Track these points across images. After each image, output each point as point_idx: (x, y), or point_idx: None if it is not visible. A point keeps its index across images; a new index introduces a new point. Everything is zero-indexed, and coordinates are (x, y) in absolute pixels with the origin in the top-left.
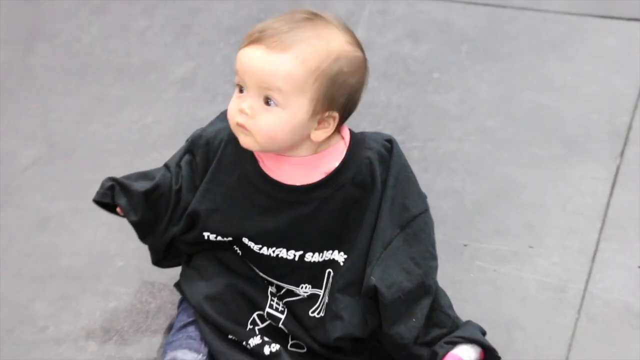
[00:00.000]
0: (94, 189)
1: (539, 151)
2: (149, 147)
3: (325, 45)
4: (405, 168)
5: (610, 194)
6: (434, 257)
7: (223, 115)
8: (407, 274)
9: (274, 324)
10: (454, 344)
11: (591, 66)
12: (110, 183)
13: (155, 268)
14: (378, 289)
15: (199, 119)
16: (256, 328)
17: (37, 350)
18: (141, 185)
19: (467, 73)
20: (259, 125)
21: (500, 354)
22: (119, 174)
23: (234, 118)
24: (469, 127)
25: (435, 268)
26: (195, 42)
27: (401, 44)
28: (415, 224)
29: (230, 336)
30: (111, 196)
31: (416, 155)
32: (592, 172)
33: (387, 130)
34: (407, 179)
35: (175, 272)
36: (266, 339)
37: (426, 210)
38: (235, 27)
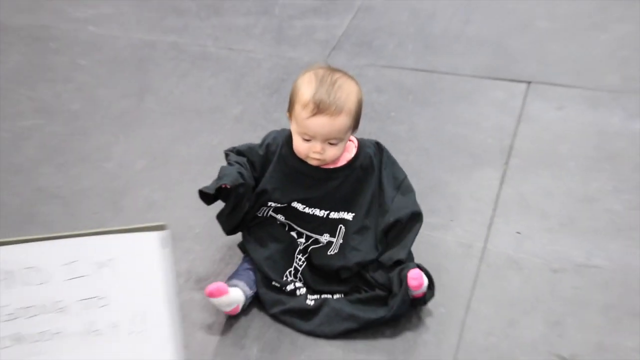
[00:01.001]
0: (182, 185)
1: (456, 162)
2: (216, 160)
3: (354, 95)
4: (390, 156)
5: (500, 188)
6: (417, 202)
7: (273, 133)
8: (407, 208)
9: (298, 272)
10: (416, 266)
11: (487, 109)
12: (238, 177)
13: (220, 233)
14: (396, 219)
15: (246, 140)
16: (288, 279)
17: None
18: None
19: (412, 113)
20: (328, 156)
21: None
22: (197, 177)
23: (306, 154)
24: (413, 147)
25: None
26: (243, 94)
27: (371, 94)
28: (403, 185)
29: (273, 283)
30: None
31: None
32: (489, 175)
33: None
34: (393, 162)
35: (234, 238)
36: (297, 285)
37: (406, 176)
38: (268, 84)
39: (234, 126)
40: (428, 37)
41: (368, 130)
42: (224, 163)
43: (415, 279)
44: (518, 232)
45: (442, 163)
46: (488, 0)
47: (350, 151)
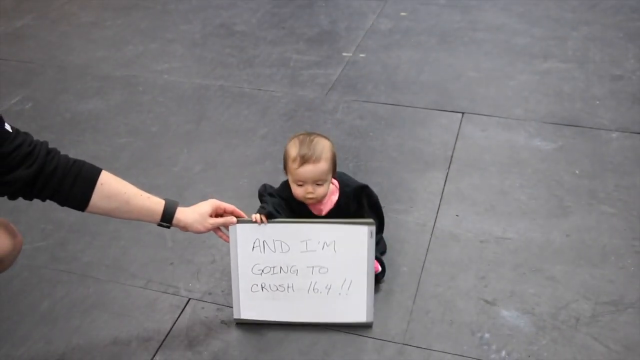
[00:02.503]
0: (226, 183)
1: (414, 166)
2: (249, 165)
3: (327, 148)
4: (370, 195)
5: (444, 185)
6: (382, 215)
7: (281, 187)
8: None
9: None
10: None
11: (435, 131)
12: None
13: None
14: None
15: (270, 152)
16: None
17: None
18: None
19: (384, 133)
20: (318, 194)
21: (395, 259)
22: (237, 177)
23: (304, 197)
24: (384, 156)
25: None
26: (268, 120)
27: (354, 121)
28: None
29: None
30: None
31: (362, 169)
32: (436, 175)
33: (346, 161)
34: (366, 192)
35: None
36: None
37: (374, 197)
38: (285, 113)
39: (261, 142)
40: (394, 82)
41: (353, 145)
42: (255, 168)
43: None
44: (457, 215)
45: (405, 167)
46: (434, 58)
47: (335, 194)
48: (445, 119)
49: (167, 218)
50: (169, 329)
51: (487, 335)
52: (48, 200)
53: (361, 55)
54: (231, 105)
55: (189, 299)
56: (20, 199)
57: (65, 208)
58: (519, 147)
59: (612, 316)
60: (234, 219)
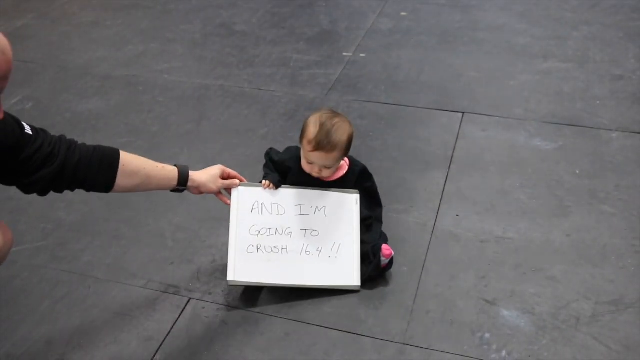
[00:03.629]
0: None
1: (414, 166)
2: (249, 165)
3: (346, 134)
4: (369, 175)
5: (444, 184)
6: (380, 203)
7: (289, 153)
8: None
9: None
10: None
11: (435, 131)
12: (274, 175)
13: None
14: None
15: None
16: None
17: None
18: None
19: (384, 133)
20: (324, 175)
21: (396, 259)
22: (238, 168)
23: (310, 171)
24: (385, 156)
25: (381, 207)
26: (268, 120)
27: (355, 120)
28: (372, 189)
29: None
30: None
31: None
32: (437, 175)
33: (354, 153)
34: (370, 176)
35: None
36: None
37: (374, 183)
38: (285, 113)
39: (261, 142)
40: (394, 82)
41: (354, 145)
42: (255, 168)
43: (388, 249)
44: (457, 215)
45: (405, 167)
46: (434, 58)
47: (343, 169)
48: (446, 119)
49: (182, 181)
50: (169, 329)
51: (487, 335)
52: (69, 191)
53: (361, 55)
54: (231, 105)
55: (190, 299)
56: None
57: (65, 207)
58: (520, 147)
59: (613, 316)
60: (238, 182)
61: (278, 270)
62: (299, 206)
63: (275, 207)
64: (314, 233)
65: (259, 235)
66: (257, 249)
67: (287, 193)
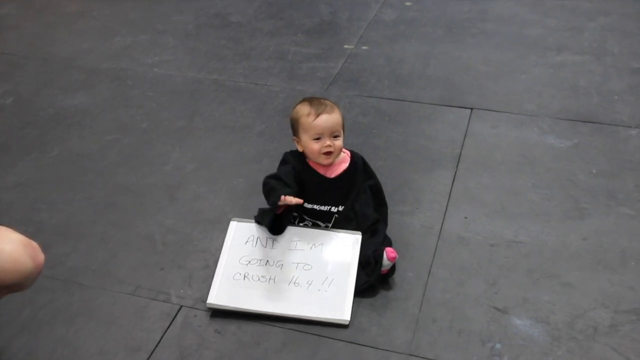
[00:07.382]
0: (220, 182)
1: (420, 165)
2: (244, 163)
3: (336, 107)
4: (369, 167)
5: (452, 184)
6: (385, 202)
7: (284, 161)
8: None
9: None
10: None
11: (442, 127)
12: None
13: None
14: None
15: (267, 150)
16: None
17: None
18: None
19: (387, 130)
20: (336, 147)
21: (400, 264)
22: (231, 177)
23: (319, 151)
24: (388, 154)
25: (386, 207)
26: (265, 116)
27: (357, 116)
28: (376, 187)
29: None
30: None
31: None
32: (444, 175)
33: (356, 150)
34: (372, 171)
35: None
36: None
37: (378, 181)
38: (283, 109)
39: (258, 139)
40: (399, 75)
41: (355, 143)
42: (251, 166)
43: (392, 252)
44: (465, 217)
45: (410, 166)
46: (441, 50)
47: (345, 162)
48: (453, 115)
49: None
50: (159, 339)
51: (498, 345)
52: (29, 201)
53: (364, 47)
54: (226, 101)
55: (181, 307)
56: None
57: (48, 208)
58: (532, 145)
59: (633, 325)
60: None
61: (262, 298)
62: (295, 242)
63: (270, 242)
64: (307, 267)
65: (249, 264)
66: (244, 277)
67: (286, 231)
